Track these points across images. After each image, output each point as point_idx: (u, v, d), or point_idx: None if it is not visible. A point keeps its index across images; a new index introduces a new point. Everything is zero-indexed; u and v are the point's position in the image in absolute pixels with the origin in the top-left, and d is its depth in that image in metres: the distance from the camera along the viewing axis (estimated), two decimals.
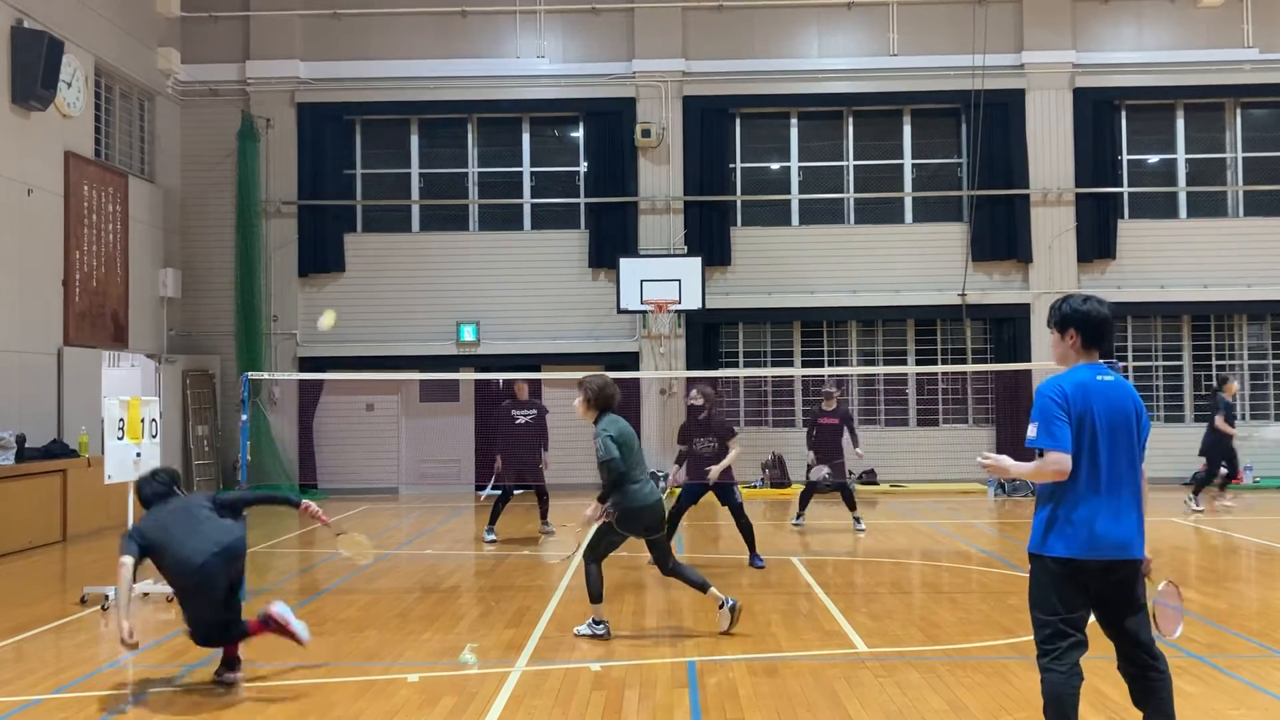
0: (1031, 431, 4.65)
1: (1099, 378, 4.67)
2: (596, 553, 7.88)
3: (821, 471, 13.62)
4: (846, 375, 19.28)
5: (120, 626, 6.19)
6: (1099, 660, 6.98)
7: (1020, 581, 10.06)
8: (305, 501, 7.14)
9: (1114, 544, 4.58)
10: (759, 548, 11.00)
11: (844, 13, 19.55)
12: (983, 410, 19.37)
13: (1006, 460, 4.85)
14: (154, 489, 6.97)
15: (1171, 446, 19.03)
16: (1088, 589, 4.66)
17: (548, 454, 13.24)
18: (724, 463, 10.62)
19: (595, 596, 7.78)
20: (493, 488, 13.46)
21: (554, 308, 19.25)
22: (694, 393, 11.01)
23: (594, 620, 7.82)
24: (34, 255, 15.09)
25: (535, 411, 13.11)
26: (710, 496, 11.04)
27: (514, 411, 13.05)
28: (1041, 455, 4.65)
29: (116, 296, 17.16)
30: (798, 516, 14.00)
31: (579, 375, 8.30)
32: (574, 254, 19.41)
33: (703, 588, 7.88)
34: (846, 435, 13.77)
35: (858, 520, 13.49)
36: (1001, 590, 9.60)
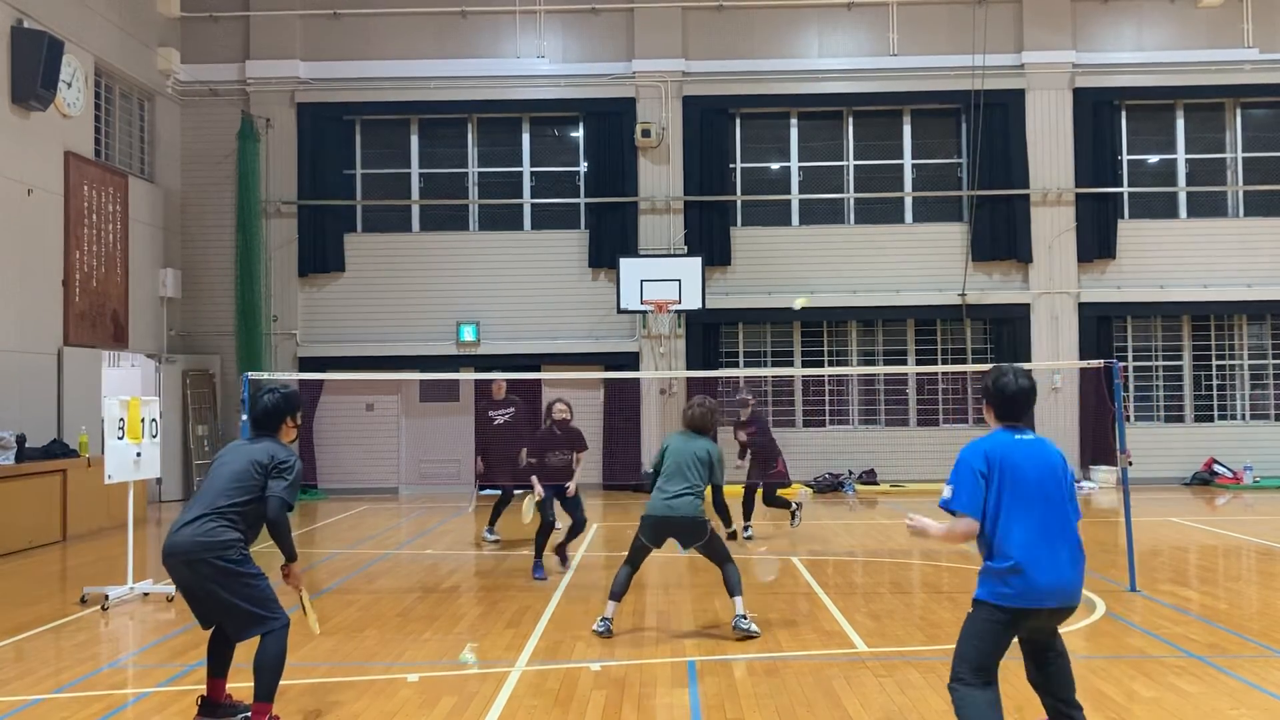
0: (946, 493, 4.80)
1: (1016, 437, 4.88)
2: (628, 556, 8.11)
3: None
4: (846, 375, 19.29)
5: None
6: (1098, 660, 6.99)
7: None
8: (293, 567, 5.91)
9: (1053, 592, 4.69)
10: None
11: (844, 13, 19.54)
12: (983, 410, 19.32)
13: (929, 523, 4.93)
14: (254, 413, 6.03)
15: (1171, 447, 19.08)
16: (1019, 632, 4.80)
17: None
18: (575, 483, 10.79)
19: (612, 594, 7.97)
20: (482, 489, 13.21)
21: (554, 308, 19.25)
22: (560, 405, 10.89)
23: (602, 617, 7.96)
24: (34, 255, 15.09)
25: (512, 410, 12.71)
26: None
27: (490, 412, 12.65)
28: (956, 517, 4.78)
29: (116, 296, 17.16)
30: (745, 529, 12.80)
31: (579, 375, 8.40)
32: (574, 254, 19.41)
33: (731, 592, 7.83)
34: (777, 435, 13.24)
35: (745, 529, 12.73)
36: None
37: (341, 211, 19.57)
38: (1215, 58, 19.21)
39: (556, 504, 10.76)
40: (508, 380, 13.04)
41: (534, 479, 10.64)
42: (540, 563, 10.49)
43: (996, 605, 4.68)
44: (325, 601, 9.40)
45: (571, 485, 10.70)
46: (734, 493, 18.16)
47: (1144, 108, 19.76)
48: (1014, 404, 4.99)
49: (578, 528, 10.87)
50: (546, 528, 10.57)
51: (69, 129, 16.03)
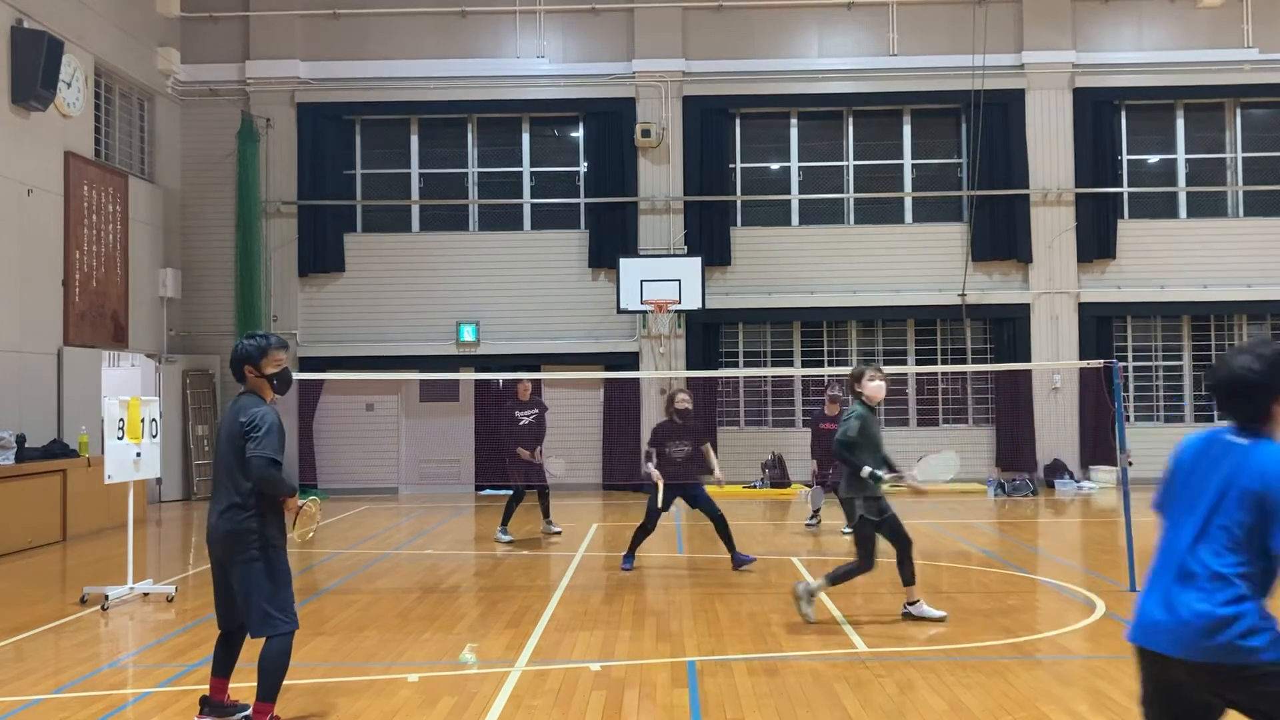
0: None
1: (1220, 436, 3.88)
2: None
3: (818, 499, 13.72)
4: (846, 376, 19.25)
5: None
6: (1098, 660, 6.99)
7: (1020, 581, 10.07)
8: (289, 501, 5.88)
9: (1143, 629, 3.64)
10: (746, 546, 10.97)
11: (844, 13, 19.54)
12: (983, 410, 19.37)
13: None
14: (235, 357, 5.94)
15: (1172, 447, 19.00)
16: (1156, 683, 3.65)
17: (542, 449, 13.09)
18: (717, 465, 10.68)
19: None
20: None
21: (554, 308, 19.25)
22: (683, 396, 10.84)
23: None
24: (34, 255, 15.09)
25: (536, 411, 13.15)
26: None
27: (517, 412, 13.02)
28: None
29: (116, 296, 17.15)
30: (811, 517, 13.92)
31: (579, 375, 8.38)
32: (574, 254, 19.41)
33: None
34: None
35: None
36: (1001, 590, 9.60)
37: (341, 211, 19.57)
38: (1215, 58, 19.20)
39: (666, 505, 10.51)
40: (532, 381, 13.44)
41: (655, 472, 10.51)
42: (631, 554, 10.74)
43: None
44: (325, 601, 9.40)
45: (718, 472, 10.58)
46: (733, 492, 18.20)
47: (1144, 108, 19.76)
48: (1216, 398, 3.88)
49: (721, 525, 10.54)
50: (645, 528, 10.60)
51: (69, 129, 16.03)
